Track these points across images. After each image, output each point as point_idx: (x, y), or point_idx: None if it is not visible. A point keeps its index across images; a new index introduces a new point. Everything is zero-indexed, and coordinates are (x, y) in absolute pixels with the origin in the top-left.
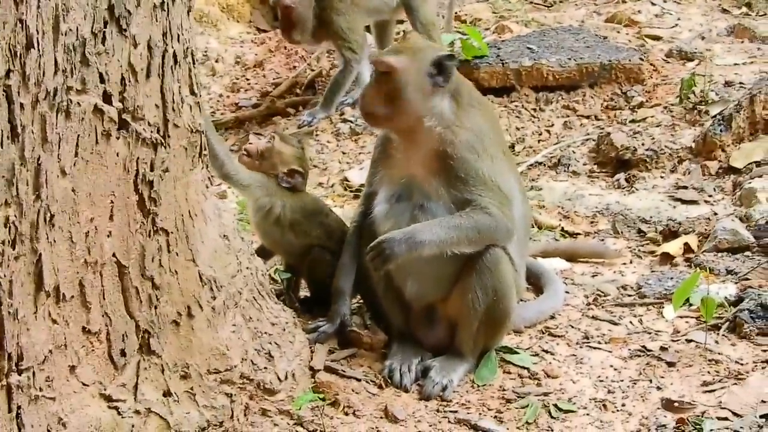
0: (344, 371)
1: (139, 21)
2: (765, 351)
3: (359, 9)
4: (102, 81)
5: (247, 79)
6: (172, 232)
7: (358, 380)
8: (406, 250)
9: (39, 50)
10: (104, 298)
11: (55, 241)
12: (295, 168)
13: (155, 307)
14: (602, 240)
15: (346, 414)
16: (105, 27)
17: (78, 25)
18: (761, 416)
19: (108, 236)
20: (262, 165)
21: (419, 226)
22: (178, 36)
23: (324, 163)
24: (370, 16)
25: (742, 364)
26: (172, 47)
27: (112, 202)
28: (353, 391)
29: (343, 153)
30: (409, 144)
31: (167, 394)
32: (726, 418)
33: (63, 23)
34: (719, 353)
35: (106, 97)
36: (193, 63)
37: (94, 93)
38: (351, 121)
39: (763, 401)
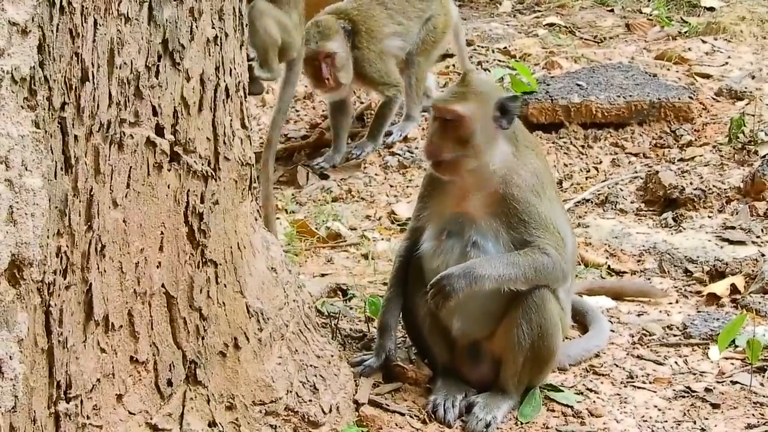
0: (388, 405)
1: (193, 55)
2: None
3: (386, 54)
4: (155, 114)
5: (297, 111)
6: (220, 264)
7: (402, 415)
8: (466, 285)
9: (94, 83)
10: (152, 328)
11: (105, 271)
12: None
13: (202, 338)
14: (648, 279)
15: None
16: (159, 61)
17: (132, 59)
18: None
19: (157, 267)
20: None
21: (477, 261)
22: (231, 70)
23: (371, 196)
24: (396, 57)
25: None
26: (225, 81)
27: (162, 233)
28: (397, 425)
29: (391, 186)
30: (469, 184)
31: (212, 424)
32: None
33: (118, 57)
34: (764, 396)
35: (159, 130)
36: (245, 97)
37: (146, 125)
38: (399, 154)
39: None
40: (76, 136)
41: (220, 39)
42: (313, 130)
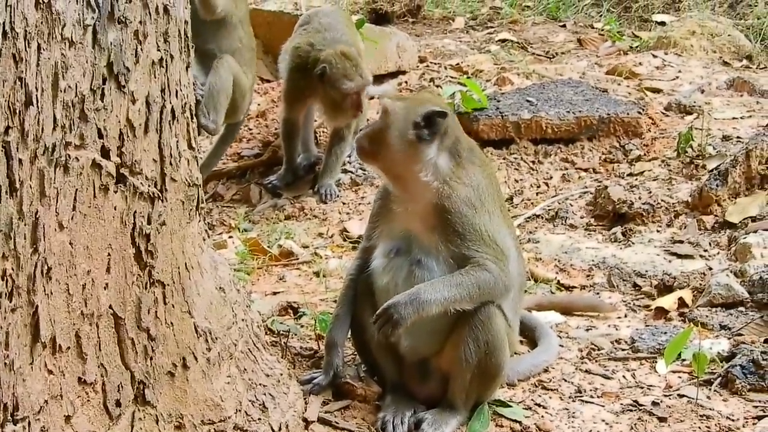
0: (337, 423)
1: (138, 77)
2: (756, 407)
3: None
4: (100, 136)
5: (250, 129)
6: (168, 285)
7: None
8: (414, 312)
9: (38, 107)
10: (100, 349)
11: (52, 293)
12: None
13: (150, 359)
14: (597, 294)
15: None
16: (104, 83)
17: (77, 82)
18: None
19: (105, 288)
20: None
21: (422, 286)
22: (177, 92)
23: (324, 214)
24: None
25: (733, 420)
26: (171, 103)
27: (109, 254)
28: None
29: (343, 203)
30: (407, 197)
31: None
32: None
33: (62, 80)
34: (711, 409)
35: (105, 152)
36: (191, 118)
37: (92, 148)
38: (351, 172)
39: None
40: (20, 160)
41: (166, 61)
42: (266, 148)
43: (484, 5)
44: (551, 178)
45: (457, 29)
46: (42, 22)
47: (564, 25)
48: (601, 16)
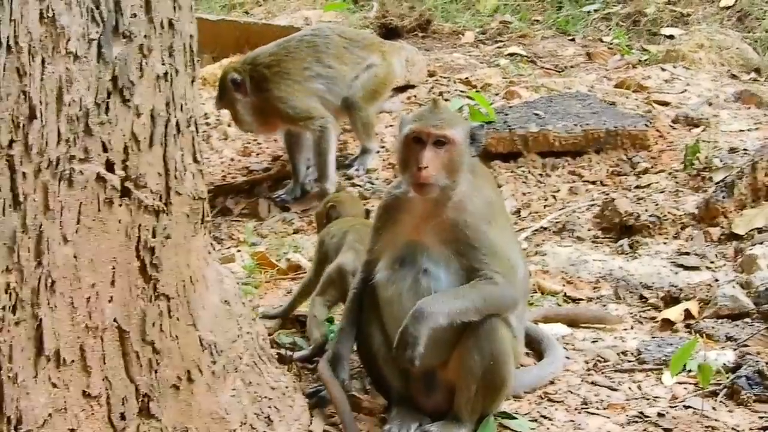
0: None
1: (142, 91)
2: (762, 418)
3: (305, 92)
4: (105, 150)
5: (259, 144)
6: (173, 298)
7: None
8: (424, 327)
9: (42, 121)
10: (105, 363)
11: (56, 306)
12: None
13: (155, 372)
14: (604, 306)
15: None
16: (108, 97)
17: (81, 96)
18: None
19: (109, 301)
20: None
21: (425, 300)
22: (182, 105)
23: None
24: (321, 97)
25: (738, 431)
26: (175, 116)
27: (113, 268)
28: None
29: None
30: (427, 211)
31: None
32: None
33: (66, 94)
34: (716, 420)
35: (109, 166)
36: (197, 131)
37: (96, 162)
38: (360, 185)
39: None
40: (24, 173)
41: (170, 75)
42: (275, 162)
43: (493, 19)
44: (558, 190)
45: (466, 43)
46: (46, 37)
47: (573, 39)
48: (610, 30)
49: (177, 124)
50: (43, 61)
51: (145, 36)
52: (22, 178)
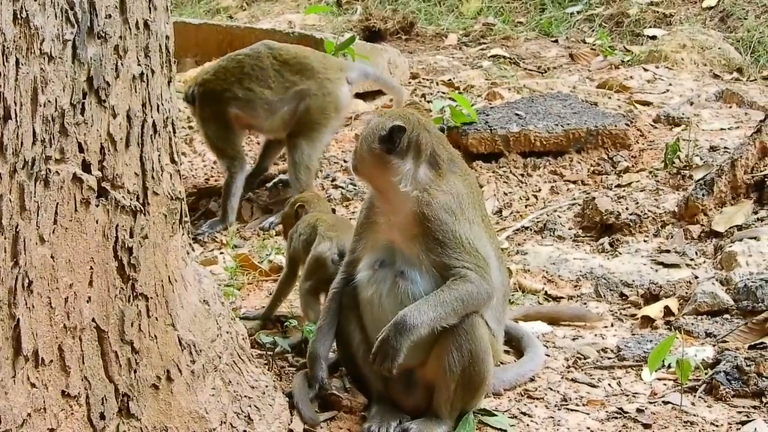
0: None
1: (118, 92)
2: (740, 413)
3: (222, 120)
4: (81, 150)
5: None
6: (151, 298)
7: None
8: (405, 340)
9: (17, 121)
10: (83, 363)
11: (33, 306)
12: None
13: (134, 371)
14: (585, 304)
15: None
16: (84, 98)
17: (57, 97)
18: None
19: (87, 301)
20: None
21: (406, 311)
22: (158, 106)
23: None
24: (239, 125)
25: (716, 426)
26: (152, 117)
27: (91, 268)
28: None
29: None
30: (390, 208)
31: None
32: None
33: (41, 95)
34: (695, 415)
35: (85, 166)
36: (174, 132)
37: (72, 162)
38: (342, 187)
39: None
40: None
41: (147, 76)
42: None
43: (477, 22)
44: (540, 190)
45: (450, 46)
46: (20, 37)
47: (556, 41)
48: (593, 31)
49: (154, 124)
50: (17, 62)
51: (120, 37)
52: None
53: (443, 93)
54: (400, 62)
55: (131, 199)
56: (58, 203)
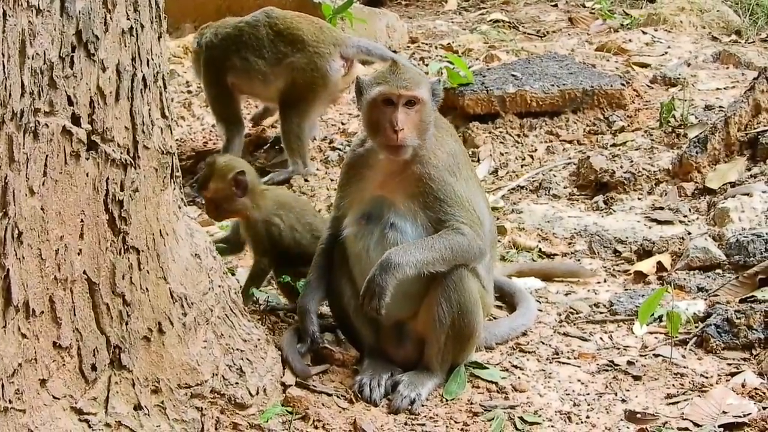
0: (315, 386)
1: (108, 46)
2: (730, 365)
3: (219, 82)
4: (70, 103)
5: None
6: (142, 251)
7: (329, 395)
8: (390, 278)
9: (5, 73)
10: (75, 314)
11: (23, 257)
12: (235, 174)
13: (126, 323)
14: (578, 260)
15: (316, 428)
16: (73, 51)
17: (45, 50)
18: (720, 426)
19: (78, 254)
20: (220, 199)
21: (392, 251)
22: (148, 60)
23: (312, 190)
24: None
25: (706, 377)
26: (142, 71)
27: (82, 220)
28: (323, 405)
29: (332, 180)
30: (393, 165)
31: (138, 407)
32: (687, 429)
33: (29, 47)
34: (685, 367)
35: (75, 119)
36: (165, 87)
37: (62, 115)
38: (339, 149)
39: (724, 412)
40: None
41: (136, 30)
42: (256, 128)
43: None
44: (536, 150)
45: (450, 11)
46: None
47: (556, 5)
48: None
49: (144, 78)
50: (4, 14)
51: None
52: None
53: (442, 57)
54: (398, 26)
55: (121, 153)
56: (47, 155)
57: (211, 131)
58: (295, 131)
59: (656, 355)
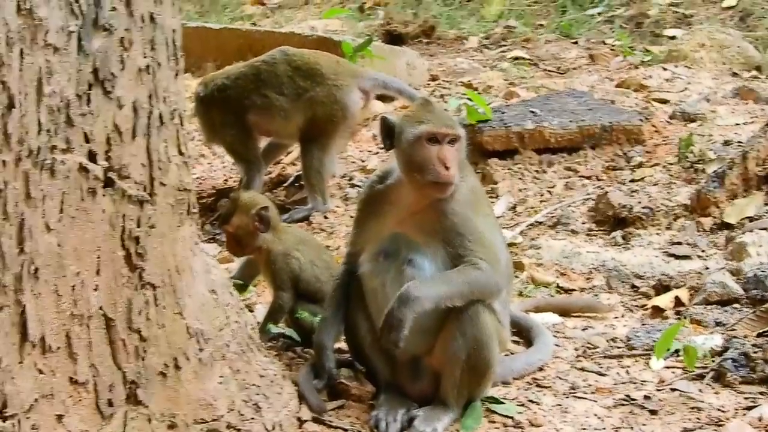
0: (331, 422)
1: (124, 83)
2: (747, 398)
3: (240, 127)
4: (87, 141)
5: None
6: (159, 287)
7: (345, 430)
8: (409, 311)
9: (21, 110)
10: (91, 350)
11: (40, 293)
12: (258, 210)
13: (142, 359)
14: (596, 296)
15: None
16: (89, 89)
17: (62, 87)
18: None
19: (95, 290)
20: (242, 234)
21: (410, 285)
22: (165, 98)
23: (332, 227)
24: (257, 133)
25: (723, 411)
26: (158, 109)
27: (98, 257)
28: None
29: (351, 217)
30: (421, 202)
31: None
32: None
33: (46, 85)
34: (702, 401)
35: (92, 156)
36: (181, 124)
37: (78, 152)
38: (359, 186)
39: None
40: (4, 161)
41: (153, 68)
42: (276, 166)
43: (498, 25)
44: (554, 186)
45: (470, 48)
46: (24, 28)
47: (576, 42)
48: (613, 32)
49: (160, 116)
50: (21, 52)
51: (125, 29)
52: (2, 166)
53: (462, 94)
54: (418, 64)
55: (138, 189)
56: (64, 192)
57: (231, 169)
58: (316, 166)
59: (673, 390)
